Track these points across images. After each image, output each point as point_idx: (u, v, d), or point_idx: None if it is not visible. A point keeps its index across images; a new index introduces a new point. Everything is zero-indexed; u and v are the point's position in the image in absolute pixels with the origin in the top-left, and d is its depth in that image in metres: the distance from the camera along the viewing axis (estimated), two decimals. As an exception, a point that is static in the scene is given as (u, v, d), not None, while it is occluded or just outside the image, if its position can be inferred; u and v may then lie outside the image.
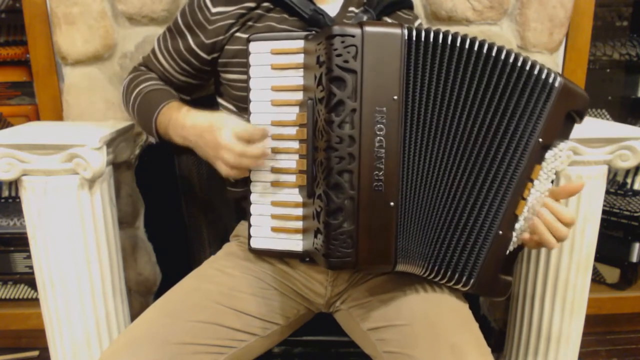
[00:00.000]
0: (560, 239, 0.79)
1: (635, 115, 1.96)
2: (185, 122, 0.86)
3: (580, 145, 1.16)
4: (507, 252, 0.81)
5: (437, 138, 0.76)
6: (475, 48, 0.75)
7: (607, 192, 1.83)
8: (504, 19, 1.33)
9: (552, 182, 0.81)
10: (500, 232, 0.79)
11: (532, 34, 1.33)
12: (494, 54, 0.76)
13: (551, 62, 1.37)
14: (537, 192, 0.79)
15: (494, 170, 0.78)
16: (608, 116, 1.94)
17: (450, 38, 0.75)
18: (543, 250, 1.25)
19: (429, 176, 0.77)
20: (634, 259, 1.86)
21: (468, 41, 0.75)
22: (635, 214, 1.85)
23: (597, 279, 1.90)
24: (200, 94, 1.12)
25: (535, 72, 0.77)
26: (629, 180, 1.90)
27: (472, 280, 0.80)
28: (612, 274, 1.90)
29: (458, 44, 0.75)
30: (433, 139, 0.76)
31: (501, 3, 1.30)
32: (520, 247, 0.84)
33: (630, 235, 1.86)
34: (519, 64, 0.76)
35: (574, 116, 0.80)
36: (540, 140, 0.77)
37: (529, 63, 0.77)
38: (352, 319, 0.92)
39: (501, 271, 0.82)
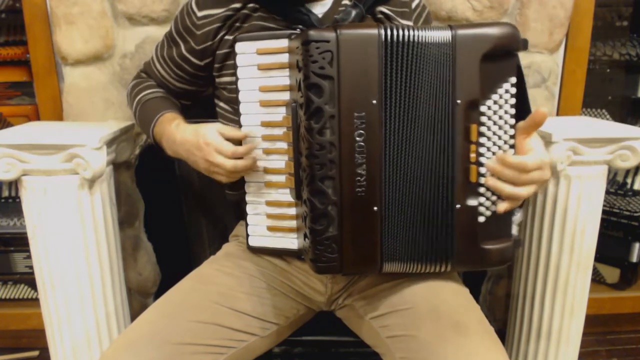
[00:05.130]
0: (523, 184, 0.74)
1: (635, 115, 1.96)
2: (175, 137, 0.88)
3: (580, 145, 1.16)
4: (482, 219, 0.77)
5: (410, 136, 0.75)
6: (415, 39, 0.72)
7: (607, 192, 1.83)
8: (504, 19, 1.33)
9: (512, 127, 0.75)
10: (458, 205, 0.76)
11: (532, 34, 1.33)
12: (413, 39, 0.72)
13: (551, 62, 1.37)
14: (492, 150, 0.75)
15: (437, 150, 0.75)
16: (608, 116, 1.93)
17: (425, 36, 0.72)
18: (543, 250, 1.25)
19: (409, 176, 0.76)
20: (634, 259, 1.86)
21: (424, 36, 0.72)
22: (635, 214, 1.85)
23: (597, 279, 1.90)
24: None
25: (429, 40, 0.72)
26: (629, 180, 1.90)
27: (450, 261, 0.78)
28: (612, 274, 1.90)
29: (424, 41, 0.72)
30: (408, 137, 0.75)
31: (501, 3, 1.30)
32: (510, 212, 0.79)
33: (630, 235, 1.86)
34: (423, 40, 0.72)
35: (503, 53, 0.74)
36: (459, 101, 0.73)
37: (425, 33, 0.72)
38: (355, 312, 0.92)
39: (484, 240, 0.78)
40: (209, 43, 0.93)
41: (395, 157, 0.75)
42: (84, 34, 1.25)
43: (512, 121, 0.75)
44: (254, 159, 0.84)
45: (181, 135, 0.87)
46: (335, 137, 0.71)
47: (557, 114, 1.48)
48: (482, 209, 0.77)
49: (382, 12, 0.95)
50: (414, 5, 1.00)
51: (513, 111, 0.74)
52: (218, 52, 0.93)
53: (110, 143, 1.14)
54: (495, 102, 0.74)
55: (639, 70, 1.91)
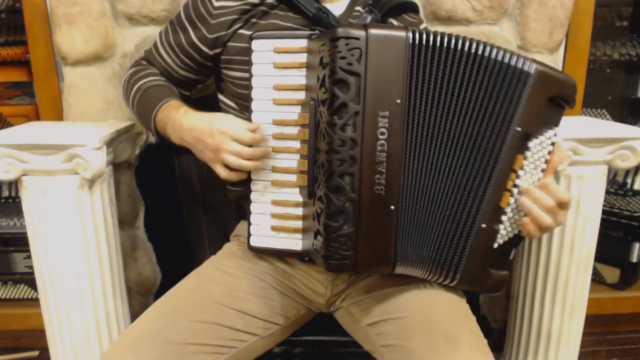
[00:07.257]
0: (552, 214, 0.77)
1: (635, 115, 1.97)
2: (182, 123, 0.86)
3: (580, 145, 1.16)
4: (496, 245, 0.80)
5: (436, 141, 0.76)
6: (473, 50, 0.75)
7: (607, 192, 1.83)
8: (504, 19, 1.33)
9: (542, 171, 0.80)
10: (484, 225, 0.78)
11: (532, 34, 1.33)
12: (480, 52, 0.75)
13: (551, 62, 1.37)
14: (525, 183, 0.78)
15: (476, 165, 0.77)
16: (608, 116, 1.94)
17: (453, 41, 0.74)
18: (543, 250, 1.25)
19: (428, 179, 0.77)
20: (634, 259, 1.86)
21: (467, 43, 0.75)
22: (635, 214, 1.85)
23: (597, 279, 1.90)
24: (204, 93, 1.12)
25: (508, 61, 0.75)
26: (629, 180, 1.90)
27: (457, 275, 0.80)
28: (612, 274, 1.90)
29: (459, 47, 0.74)
30: (432, 141, 0.76)
31: (501, 3, 1.30)
32: (514, 242, 0.82)
33: (630, 235, 1.86)
34: (499, 57, 0.75)
35: (559, 102, 0.78)
36: (519, 129, 0.76)
37: (507, 55, 0.75)
38: (352, 317, 0.92)
39: (491, 265, 0.81)
40: (223, 33, 0.92)
41: (417, 159, 0.76)
42: (84, 34, 1.25)
43: (544, 166, 0.79)
44: (267, 150, 0.83)
45: (190, 122, 0.85)
46: (358, 134, 0.72)
47: (557, 114, 1.48)
48: (498, 235, 0.80)
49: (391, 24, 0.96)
50: (421, 28, 1.03)
51: (548, 157, 0.79)
52: (229, 43, 0.92)
53: (110, 143, 1.14)
54: (540, 143, 0.78)
55: (639, 70, 1.92)
